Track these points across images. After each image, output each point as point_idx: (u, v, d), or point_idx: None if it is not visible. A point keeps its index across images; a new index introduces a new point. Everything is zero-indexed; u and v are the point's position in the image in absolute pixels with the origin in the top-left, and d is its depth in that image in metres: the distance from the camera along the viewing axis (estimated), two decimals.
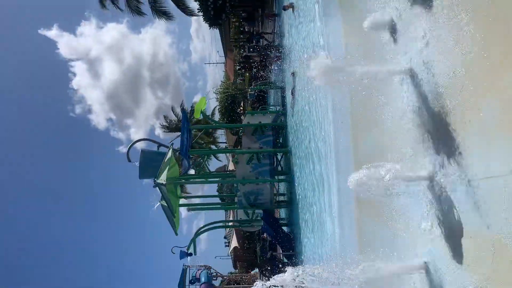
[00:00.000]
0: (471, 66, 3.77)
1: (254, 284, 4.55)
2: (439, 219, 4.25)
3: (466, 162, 3.82)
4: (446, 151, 4.14)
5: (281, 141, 19.98)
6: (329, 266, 4.58)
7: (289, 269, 4.47)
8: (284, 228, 18.49)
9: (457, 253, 3.92)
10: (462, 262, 3.85)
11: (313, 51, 11.69)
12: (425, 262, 4.49)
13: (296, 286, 4.36)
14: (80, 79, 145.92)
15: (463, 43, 3.84)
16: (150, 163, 17.65)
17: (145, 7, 25.71)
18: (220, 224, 22.87)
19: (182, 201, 19.94)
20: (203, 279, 22.07)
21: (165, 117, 36.26)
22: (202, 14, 29.46)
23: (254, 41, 32.46)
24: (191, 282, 23.58)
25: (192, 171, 20.93)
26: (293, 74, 16.46)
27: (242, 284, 25.19)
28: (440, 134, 4.23)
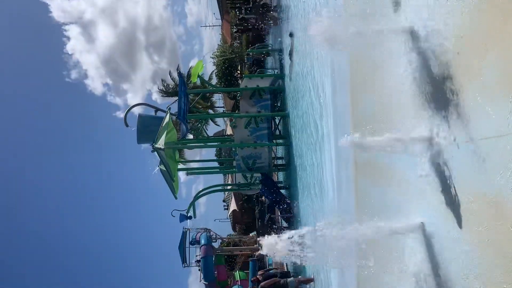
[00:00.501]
0: (473, 24, 3.66)
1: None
2: (438, 180, 4.26)
3: (466, 122, 3.79)
4: (446, 111, 4.09)
5: (279, 104, 19.87)
6: (327, 227, 4.64)
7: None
8: (282, 191, 18.70)
9: (455, 214, 3.96)
10: (460, 222, 3.89)
11: (312, 10, 11.40)
12: (422, 222, 4.55)
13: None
14: (75, 43, 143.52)
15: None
16: (148, 127, 17.60)
17: None
18: (219, 187, 23.11)
19: (180, 165, 20.05)
20: (203, 241, 22.52)
21: (162, 81, 35.93)
22: None
23: (251, 3, 31.66)
24: (191, 244, 24.10)
25: (190, 136, 20.91)
26: (291, 34, 16.14)
27: (241, 246, 25.74)
28: (440, 94, 4.18)
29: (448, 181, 4.06)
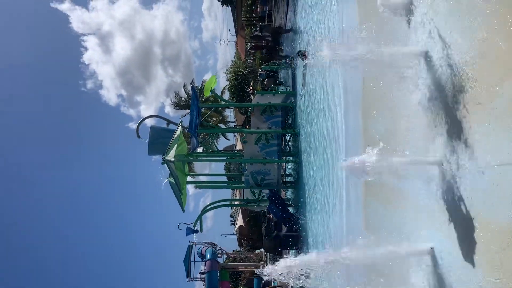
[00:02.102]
0: (488, 51, 3.68)
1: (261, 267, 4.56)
2: (448, 205, 4.22)
3: (478, 148, 3.77)
4: (458, 136, 4.08)
5: (290, 121, 19.89)
6: (334, 248, 4.61)
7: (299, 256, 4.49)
8: (290, 209, 18.57)
9: (466, 240, 3.91)
10: (471, 250, 3.84)
11: (326, 33, 11.51)
12: (432, 248, 4.49)
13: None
14: (92, 54, 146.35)
15: (482, 28, 3.74)
16: (159, 139, 17.71)
17: None
18: (227, 202, 23.05)
19: (189, 178, 20.07)
20: (208, 256, 22.39)
21: (176, 94, 36.36)
22: None
23: (266, 21, 32.04)
24: (197, 257, 23.92)
25: (200, 149, 20.99)
26: (299, 54, 16.28)
27: (247, 262, 25.52)
28: (453, 119, 4.17)
29: (460, 207, 4.02)
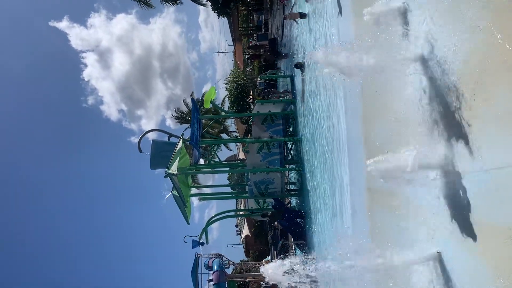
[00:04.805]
0: (486, 51, 3.70)
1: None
2: (453, 209, 4.22)
3: (481, 151, 3.78)
4: (460, 140, 4.10)
5: (291, 129, 19.93)
6: (342, 255, 4.61)
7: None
8: (296, 218, 18.50)
9: (472, 244, 3.90)
10: (477, 253, 3.83)
11: (321, 42, 11.58)
12: (439, 252, 4.48)
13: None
14: (91, 70, 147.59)
15: (479, 30, 3.77)
16: (161, 153, 17.77)
17: None
18: (231, 213, 23.02)
19: (193, 190, 20.08)
20: (215, 267, 22.32)
21: (176, 109, 36.62)
22: (210, 2, 29.35)
23: (263, 30, 32.27)
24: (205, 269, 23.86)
25: (202, 161, 21.00)
26: (297, 66, 16.39)
27: (254, 272, 25.41)
28: (454, 123, 4.19)
29: (465, 211, 4.02)
